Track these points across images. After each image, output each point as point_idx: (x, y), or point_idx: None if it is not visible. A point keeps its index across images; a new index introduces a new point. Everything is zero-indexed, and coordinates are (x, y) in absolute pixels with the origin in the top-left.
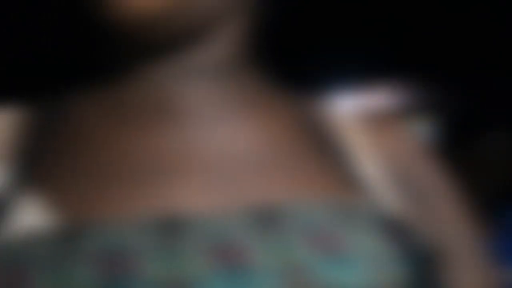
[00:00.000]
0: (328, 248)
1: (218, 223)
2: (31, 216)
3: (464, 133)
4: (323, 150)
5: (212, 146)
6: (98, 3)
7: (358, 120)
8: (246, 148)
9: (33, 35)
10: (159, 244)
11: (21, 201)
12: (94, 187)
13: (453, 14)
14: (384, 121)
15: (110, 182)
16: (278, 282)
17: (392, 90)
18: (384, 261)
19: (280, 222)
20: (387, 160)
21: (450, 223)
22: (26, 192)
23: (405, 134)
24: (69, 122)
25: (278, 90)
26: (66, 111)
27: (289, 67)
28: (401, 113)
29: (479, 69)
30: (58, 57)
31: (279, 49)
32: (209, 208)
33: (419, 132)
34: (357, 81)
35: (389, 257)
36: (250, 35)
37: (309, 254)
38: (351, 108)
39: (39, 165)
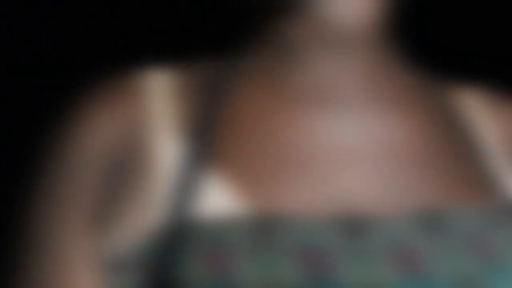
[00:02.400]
0: (491, 257)
1: (394, 224)
2: (219, 198)
3: None
4: (460, 146)
5: (367, 139)
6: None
7: (488, 110)
8: (397, 143)
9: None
10: (347, 245)
11: (205, 180)
12: (276, 173)
13: None
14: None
15: (289, 169)
16: None
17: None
18: None
19: (445, 227)
20: None
21: None
22: (208, 170)
23: None
24: (236, 99)
25: (417, 78)
26: (230, 85)
27: (430, 58)
28: None
29: None
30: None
31: (422, 41)
32: (381, 206)
33: None
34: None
35: None
36: (397, 28)
37: (476, 263)
38: (480, 97)
39: (216, 143)
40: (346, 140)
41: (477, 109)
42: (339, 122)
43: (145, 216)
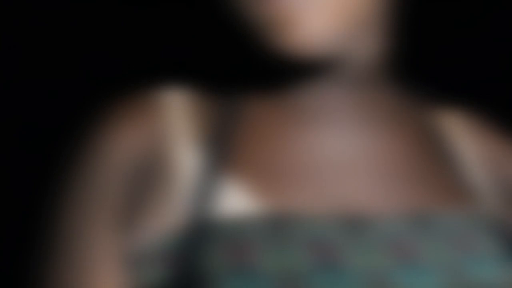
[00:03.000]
0: (469, 249)
1: (388, 222)
2: (235, 197)
3: None
4: (441, 158)
5: (360, 152)
6: (272, 35)
7: (467, 128)
8: (385, 156)
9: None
10: (351, 239)
11: (222, 184)
12: (286, 178)
13: None
14: (488, 130)
15: (297, 175)
16: (442, 278)
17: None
18: (500, 263)
19: (431, 225)
20: (492, 166)
21: None
22: (225, 175)
23: (505, 142)
24: (245, 117)
25: (404, 100)
26: (240, 106)
27: (416, 80)
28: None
29: None
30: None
31: (408, 65)
32: (376, 207)
33: None
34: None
35: (502, 259)
36: (385, 52)
37: (459, 255)
38: (461, 118)
39: (231, 151)
40: (342, 153)
41: (458, 129)
42: (333, 138)
43: (168, 215)
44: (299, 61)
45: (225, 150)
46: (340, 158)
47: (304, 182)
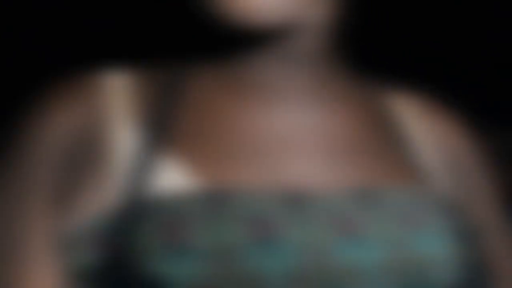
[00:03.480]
0: (414, 225)
1: (331, 198)
2: (172, 175)
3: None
4: (390, 137)
5: (306, 128)
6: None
7: (417, 110)
8: (332, 133)
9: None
10: (291, 214)
11: (159, 162)
12: (226, 155)
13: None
14: (437, 112)
15: (237, 152)
16: (385, 252)
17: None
18: (448, 239)
19: (375, 200)
20: (441, 147)
21: (485, 204)
22: (163, 153)
23: (454, 124)
24: (188, 92)
25: (355, 81)
26: (184, 82)
27: (364, 61)
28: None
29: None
30: (178, 37)
31: (356, 45)
32: (320, 183)
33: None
34: (418, 76)
35: (450, 235)
36: (334, 31)
37: (404, 229)
38: (411, 101)
39: (170, 129)
40: (288, 128)
41: (408, 112)
42: (281, 113)
43: (103, 196)
44: (249, 29)
45: (164, 128)
46: (285, 134)
47: (245, 158)
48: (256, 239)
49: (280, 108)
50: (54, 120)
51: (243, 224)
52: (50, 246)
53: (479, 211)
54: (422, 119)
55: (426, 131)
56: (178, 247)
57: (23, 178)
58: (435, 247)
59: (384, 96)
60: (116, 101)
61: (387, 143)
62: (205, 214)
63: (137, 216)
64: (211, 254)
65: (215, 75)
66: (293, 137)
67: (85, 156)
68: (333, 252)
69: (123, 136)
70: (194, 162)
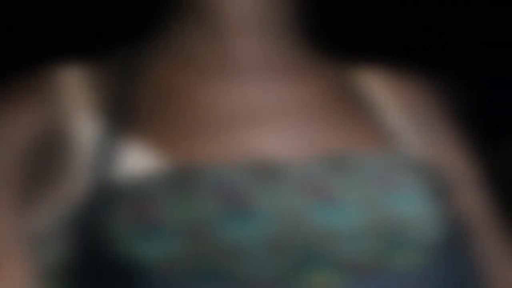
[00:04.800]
0: (389, 186)
1: (302, 165)
2: (138, 158)
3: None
4: (357, 107)
5: (271, 100)
6: None
7: (382, 79)
8: (297, 103)
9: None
10: (262, 183)
11: (123, 147)
12: (191, 133)
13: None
14: (404, 79)
15: (202, 129)
16: (362, 215)
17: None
18: (423, 198)
19: (352, 165)
20: (408, 111)
21: (457, 163)
22: (126, 138)
23: (421, 89)
24: (144, 75)
25: (319, 54)
26: (138, 66)
27: (328, 37)
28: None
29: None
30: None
31: (322, 20)
32: (289, 152)
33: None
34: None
35: (425, 195)
36: (298, 4)
37: (379, 192)
38: (378, 73)
39: (131, 113)
40: (251, 102)
41: (374, 81)
42: (244, 87)
43: (68, 188)
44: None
45: (125, 113)
46: (249, 107)
47: (211, 133)
48: (230, 211)
49: (243, 82)
50: (13, 116)
51: (214, 197)
52: (19, 245)
53: (451, 170)
54: (387, 87)
55: (392, 97)
56: (150, 227)
57: None
58: (411, 207)
59: (348, 68)
60: (72, 94)
61: (354, 111)
62: (174, 191)
63: (106, 203)
64: (185, 230)
65: (171, 54)
66: (257, 110)
67: (47, 150)
68: (308, 217)
69: (83, 126)
70: (160, 143)
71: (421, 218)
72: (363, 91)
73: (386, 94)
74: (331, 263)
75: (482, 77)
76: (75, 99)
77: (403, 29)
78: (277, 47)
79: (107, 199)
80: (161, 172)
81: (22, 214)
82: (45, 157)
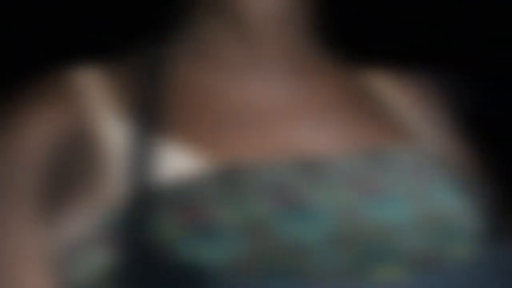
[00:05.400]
0: (429, 179)
1: (346, 160)
2: (176, 159)
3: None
4: (375, 105)
5: (298, 97)
6: None
7: (395, 81)
8: (322, 100)
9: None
10: (313, 180)
11: (159, 148)
12: (227, 131)
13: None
14: (413, 79)
15: (238, 127)
16: (411, 208)
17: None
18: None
19: (390, 159)
20: (421, 110)
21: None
22: (161, 139)
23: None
24: (170, 75)
25: (334, 56)
26: (162, 66)
27: (337, 40)
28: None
29: None
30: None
31: (332, 23)
32: (328, 149)
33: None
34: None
35: (446, 192)
36: (309, 9)
37: (424, 185)
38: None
39: (161, 114)
40: (282, 99)
41: (385, 84)
42: (273, 85)
43: (102, 193)
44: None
45: (155, 115)
46: (279, 105)
47: (247, 132)
48: (287, 209)
49: (271, 79)
50: (35, 123)
51: (268, 196)
52: (43, 257)
53: (468, 162)
54: (399, 87)
55: (404, 96)
56: (203, 230)
57: (6, 188)
58: (453, 199)
59: (360, 68)
60: (94, 96)
61: (373, 109)
62: (226, 192)
63: (151, 206)
64: (243, 230)
65: (195, 53)
66: (288, 107)
67: (75, 157)
68: (365, 211)
69: (112, 129)
70: (197, 143)
71: (464, 209)
72: (377, 91)
73: (398, 93)
74: (392, 257)
75: (489, 76)
76: (98, 102)
77: (412, 30)
78: (298, 46)
79: (151, 203)
80: (206, 173)
81: (48, 224)
82: (72, 165)
